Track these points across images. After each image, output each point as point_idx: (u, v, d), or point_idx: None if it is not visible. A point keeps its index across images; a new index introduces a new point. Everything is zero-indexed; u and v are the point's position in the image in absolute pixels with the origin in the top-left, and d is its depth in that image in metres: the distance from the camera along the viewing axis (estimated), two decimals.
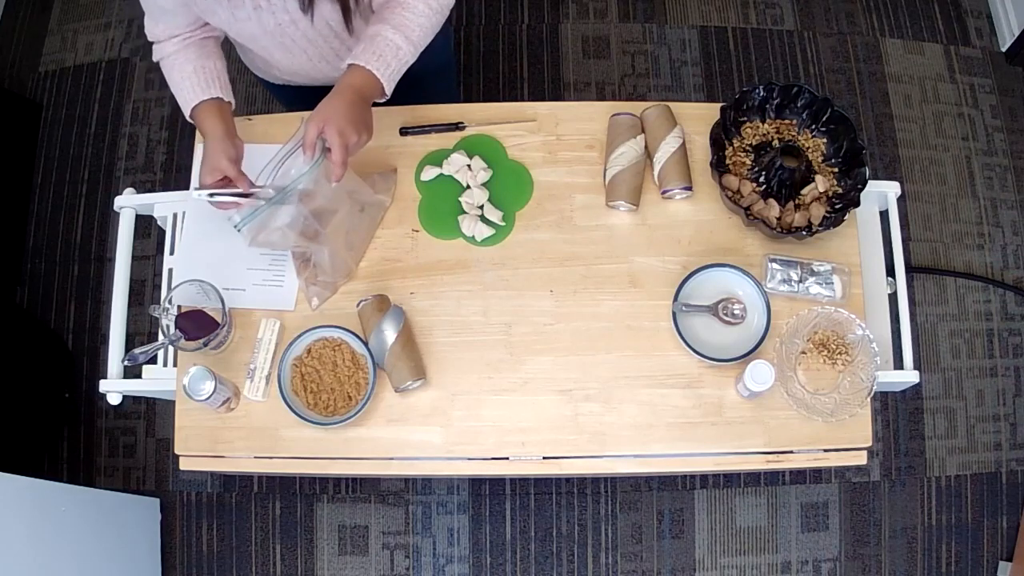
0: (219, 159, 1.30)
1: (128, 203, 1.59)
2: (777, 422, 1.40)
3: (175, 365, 1.51)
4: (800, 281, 1.44)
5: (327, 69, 1.49)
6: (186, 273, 1.45)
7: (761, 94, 1.51)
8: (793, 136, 1.52)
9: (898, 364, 1.53)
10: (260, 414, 1.42)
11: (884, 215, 1.61)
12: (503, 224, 1.49)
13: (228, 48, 1.46)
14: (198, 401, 1.32)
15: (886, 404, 2.25)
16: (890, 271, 1.57)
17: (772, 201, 1.44)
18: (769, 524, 2.17)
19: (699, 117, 1.54)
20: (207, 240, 1.49)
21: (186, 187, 1.55)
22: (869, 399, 1.38)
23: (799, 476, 2.19)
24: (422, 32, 1.33)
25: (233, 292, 1.45)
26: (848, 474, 2.20)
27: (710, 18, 2.61)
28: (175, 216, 1.58)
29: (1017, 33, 2.50)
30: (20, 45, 2.67)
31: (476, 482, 2.19)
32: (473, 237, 1.48)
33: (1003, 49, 2.57)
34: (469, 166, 1.51)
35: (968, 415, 2.26)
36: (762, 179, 1.46)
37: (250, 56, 1.54)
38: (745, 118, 1.52)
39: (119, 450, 2.26)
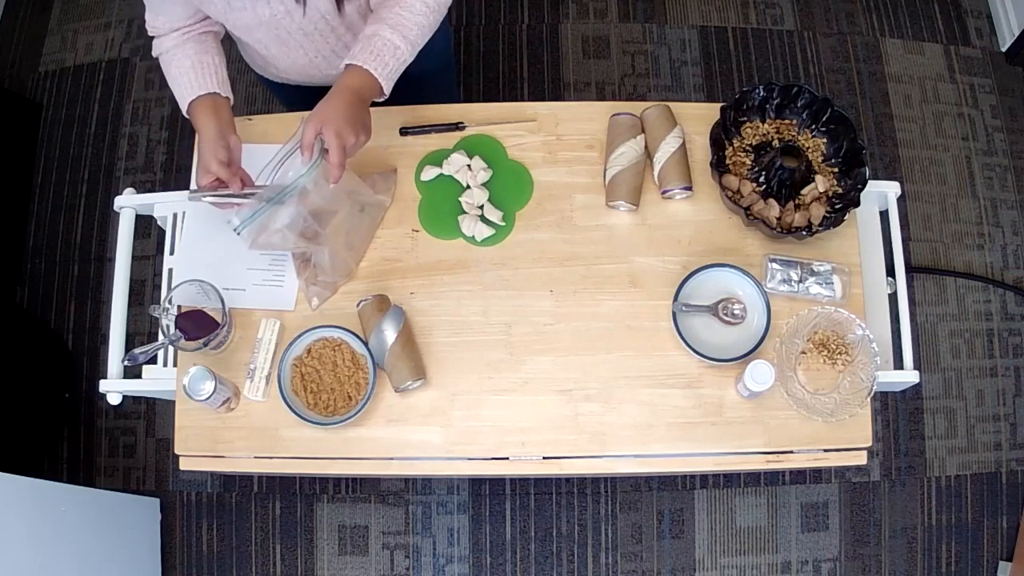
0: (210, 161, 1.31)
1: (128, 203, 1.59)
2: (777, 422, 1.40)
3: (175, 365, 1.51)
4: (800, 281, 1.44)
5: (324, 66, 1.49)
6: (186, 273, 1.45)
7: (761, 94, 1.51)
8: (793, 136, 1.52)
9: (898, 364, 1.53)
10: (260, 414, 1.42)
11: (884, 215, 1.61)
12: (503, 224, 1.49)
13: (229, 48, 1.46)
14: (198, 401, 1.32)
15: (886, 404, 2.25)
16: (890, 271, 1.57)
17: (772, 201, 1.44)
18: (769, 524, 2.17)
19: (699, 117, 1.54)
20: (207, 240, 1.49)
21: (186, 187, 1.55)
22: (869, 399, 1.38)
23: (799, 476, 2.19)
24: (420, 31, 1.33)
25: (233, 292, 1.45)
26: (848, 474, 2.20)
27: (710, 18, 2.61)
28: (175, 216, 1.58)
29: (1017, 33, 2.50)
30: (20, 45, 2.67)
31: (476, 482, 2.19)
32: (473, 237, 1.48)
33: (1003, 49, 2.57)
34: (469, 166, 1.51)
35: (968, 415, 2.26)
36: (762, 179, 1.46)
37: (249, 52, 1.54)
38: (745, 118, 1.52)
39: (119, 450, 2.26)
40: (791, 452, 1.40)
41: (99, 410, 2.28)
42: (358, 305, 1.41)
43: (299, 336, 1.40)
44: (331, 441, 1.40)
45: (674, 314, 1.40)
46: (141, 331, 2.31)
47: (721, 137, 1.49)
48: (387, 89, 1.32)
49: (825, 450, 1.40)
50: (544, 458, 1.41)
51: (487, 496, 2.19)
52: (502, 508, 2.18)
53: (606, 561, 2.15)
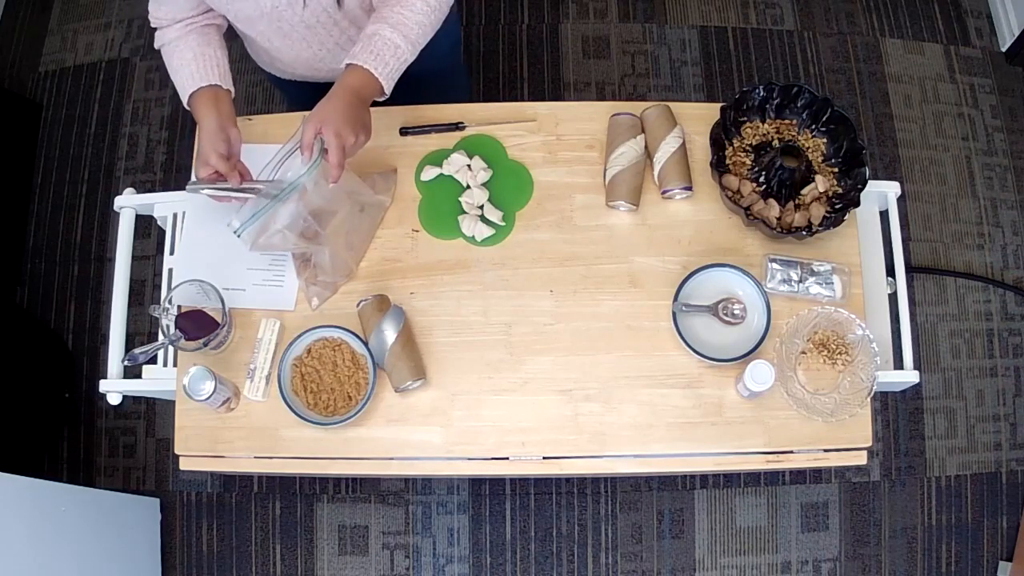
0: (209, 154, 1.30)
1: (128, 203, 1.59)
2: (777, 422, 1.40)
3: (175, 365, 1.51)
4: (800, 281, 1.44)
5: (330, 60, 1.48)
6: (186, 273, 1.45)
7: (761, 94, 1.51)
8: (793, 136, 1.52)
9: (898, 364, 1.53)
10: (260, 414, 1.42)
11: (884, 215, 1.61)
12: (503, 224, 1.49)
13: (231, 47, 1.46)
14: (198, 401, 1.32)
15: (886, 404, 2.25)
16: (890, 271, 1.57)
17: (772, 201, 1.44)
18: (769, 524, 2.17)
19: (699, 117, 1.54)
20: (207, 240, 1.49)
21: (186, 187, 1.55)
22: (869, 399, 1.38)
23: (799, 476, 2.19)
24: (421, 30, 1.33)
25: (233, 292, 1.45)
26: (848, 474, 2.19)
27: (710, 18, 2.61)
28: (175, 216, 1.58)
29: (1017, 33, 2.50)
30: (20, 45, 2.67)
31: (476, 482, 2.19)
32: (473, 237, 1.48)
33: (1003, 49, 2.57)
34: (469, 166, 1.51)
35: (968, 415, 2.26)
36: (762, 179, 1.46)
37: (255, 48, 1.54)
38: (745, 118, 1.52)
39: (119, 450, 2.26)
40: (791, 452, 1.40)
41: (99, 410, 2.28)
42: (358, 305, 1.41)
43: (299, 336, 1.40)
44: (331, 441, 1.40)
45: (674, 314, 1.40)
46: (141, 331, 2.31)
47: (721, 137, 1.49)
48: (387, 89, 1.32)
49: (825, 450, 1.40)
50: (544, 458, 1.41)
51: (487, 496, 2.19)
52: (502, 508, 2.18)
53: (606, 561, 2.15)
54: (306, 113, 1.29)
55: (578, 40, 2.59)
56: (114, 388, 1.50)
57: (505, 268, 1.48)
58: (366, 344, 1.39)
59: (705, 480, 2.19)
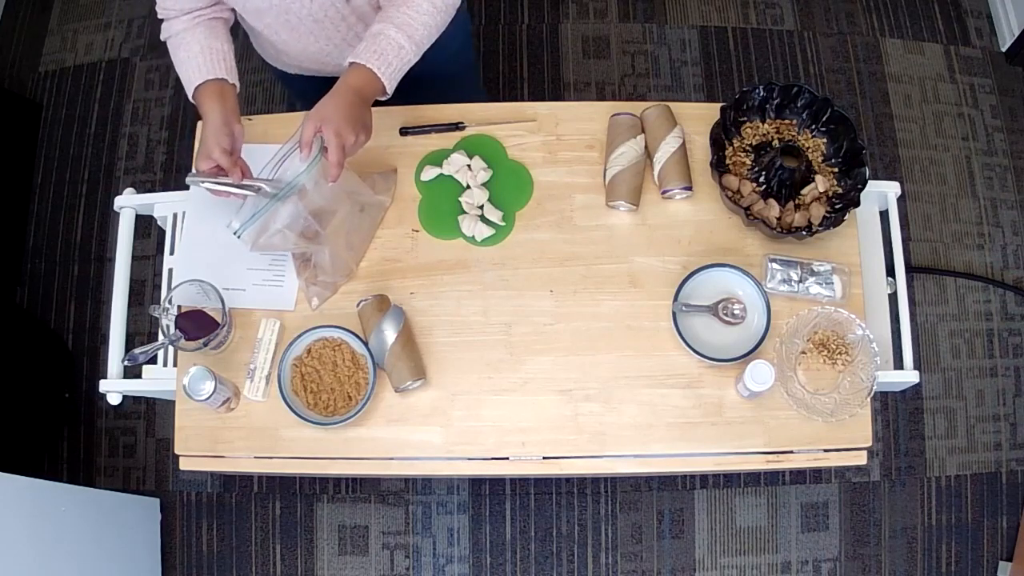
0: (212, 148, 1.29)
1: (128, 203, 1.59)
2: (777, 422, 1.40)
3: (175, 365, 1.51)
4: (800, 281, 1.44)
5: (336, 55, 1.48)
6: (186, 273, 1.45)
7: (761, 94, 1.51)
8: (793, 136, 1.52)
9: (898, 364, 1.53)
10: (260, 414, 1.42)
11: (884, 215, 1.61)
12: (503, 224, 1.49)
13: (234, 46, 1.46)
14: (198, 401, 1.32)
15: (886, 404, 2.25)
16: (890, 271, 1.57)
17: (772, 201, 1.44)
18: (769, 524, 2.17)
19: (699, 117, 1.54)
20: (207, 240, 1.49)
21: (187, 187, 1.55)
22: (869, 399, 1.38)
23: (799, 476, 2.19)
24: (426, 31, 1.33)
25: (233, 292, 1.45)
26: (848, 474, 2.19)
27: (710, 18, 2.61)
28: (175, 216, 1.58)
29: (1017, 33, 2.50)
30: (20, 45, 2.67)
31: (476, 482, 2.19)
32: (473, 237, 1.48)
33: (1003, 49, 2.57)
34: (469, 166, 1.51)
35: (968, 415, 2.26)
36: (762, 179, 1.46)
37: (261, 41, 1.53)
38: (745, 118, 1.52)
39: (119, 450, 2.26)
40: (791, 452, 1.40)
41: (99, 410, 2.28)
42: (358, 305, 1.41)
43: (299, 336, 1.40)
44: (331, 441, 1.40)
45: (674, 314, 1.40)
46: (141, 331, 2.31)
47: (721, 137, 1.49)
48: (390, 88, 1.32)
49: (825, 450, 1.40)
50: (544, 458, 1.41)
51: (487, 496, 2.19)
52: (502, 508, 2.18)
53: (606, 561, 2.15)
54: (307, 112, 1.29)
55: (578, 40, 2.59)
56: (114, 388, 1.50)
57: (505, 268, 1.48)
58: (366, 344, 1.39)
59: (705, 480, 2.19)
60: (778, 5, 2.63)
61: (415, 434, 1.41)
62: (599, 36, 2.60)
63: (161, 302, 1.44)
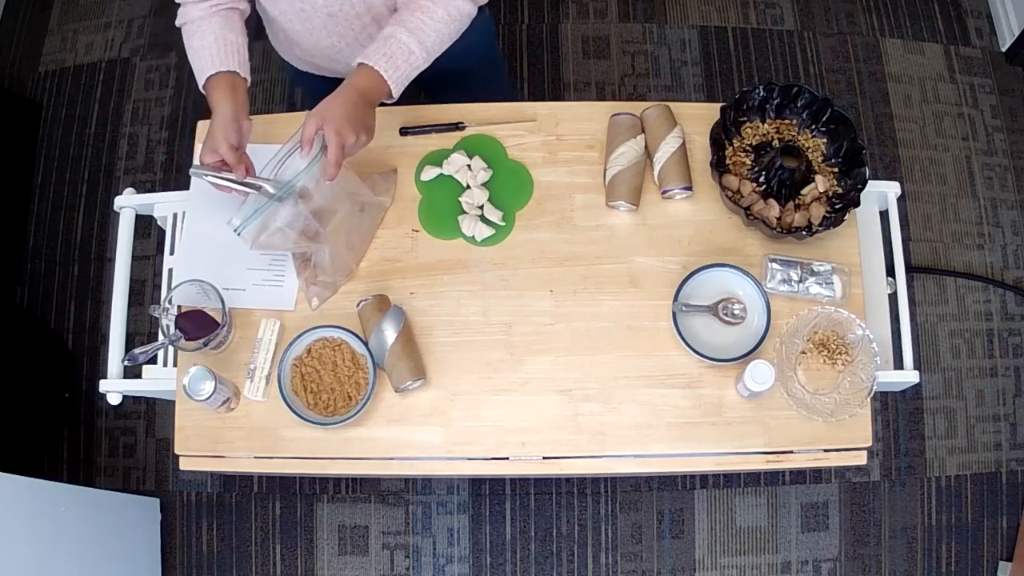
0: (219, 142, 1.28)
1: (128, 203, 1.59)
2: (777, 422, 1.40)
3: (175, 365, 1.51)
4: (800, 281, 1.44)
5: (348, 54, 1.47)
6: (186, 273, 1.45)
7: (761, 94, 1.51)
8: (793, 136, 1.52)
9: (898, 364, 1.53)
10: (260, 414, 1.42)
11: (884, 215, 1.61)
12: (503, 224, 1.49)
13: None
14: (198, 401, 1.32)
15: (886, 404, 2.25)
16: (890, 271, 1.57)
17: (772, 201, 1.44)
18: (769, 524, 2.17)
19: (699, 117, 1.54)
20: (207, 240, 1.49)
21: (186, 187, 1.55)
22: (869, 399, 1.38)
23: (799, 476, 2.19)
24: (438, 38, 1.33)
25: (233, 292, 1.45)
26: (848, 474, 2.20)
27: (710, 18, 2.61)
28: (175, 216, 1.58)
29: (1017, 33, 2.50)
30: (20, 45, 2.67)
31: (476, 482, 2.19)
32: (473, 237, 1.48)
33: (1003, 49, 2.57)
34: (469, 166, 1.51)
35: (968, 415, 2.26)
36: (762, 179, 1.46)
37: (274, 30, 1.53)
38: (745, 118, 1.52)
39: (119, 450, 2.26)
40: (791, 452, 1.40)
41: (99, 410, 2.28)
42: (358, 305, 1.41)
43: (299, 336, 1.40)
44: (331, 441, 1.40)
45: (674, 314, 1.40)
46: (141, 331, 2.31)
47: (721, 137, 1.49)
48: (396, 93, 1.32)
49: (825, 450, 1.40)
50: (544, 458, 1.41)
51: (487, 496, 2.19)
52: (502, 508, 2.18)
53: (606, 561, 2.15)
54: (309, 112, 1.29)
55: (578, 40, 2.59)
56: (114, 388, 1.50)
57: (505, 268, 1.48)
58: (366, 344, 1.39)
59: (705, 480, 2.19)
60: (778, 5, 2.63)
61: (415, 434, 1.41)
62: (599, 36, 2.60)
63: (161, 302, 1.44)
